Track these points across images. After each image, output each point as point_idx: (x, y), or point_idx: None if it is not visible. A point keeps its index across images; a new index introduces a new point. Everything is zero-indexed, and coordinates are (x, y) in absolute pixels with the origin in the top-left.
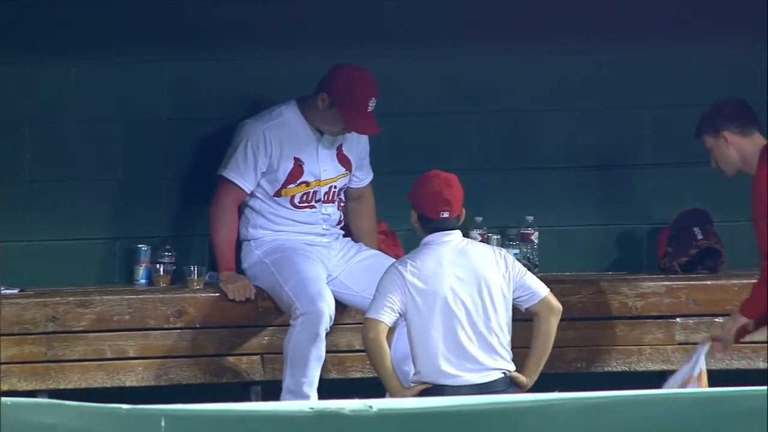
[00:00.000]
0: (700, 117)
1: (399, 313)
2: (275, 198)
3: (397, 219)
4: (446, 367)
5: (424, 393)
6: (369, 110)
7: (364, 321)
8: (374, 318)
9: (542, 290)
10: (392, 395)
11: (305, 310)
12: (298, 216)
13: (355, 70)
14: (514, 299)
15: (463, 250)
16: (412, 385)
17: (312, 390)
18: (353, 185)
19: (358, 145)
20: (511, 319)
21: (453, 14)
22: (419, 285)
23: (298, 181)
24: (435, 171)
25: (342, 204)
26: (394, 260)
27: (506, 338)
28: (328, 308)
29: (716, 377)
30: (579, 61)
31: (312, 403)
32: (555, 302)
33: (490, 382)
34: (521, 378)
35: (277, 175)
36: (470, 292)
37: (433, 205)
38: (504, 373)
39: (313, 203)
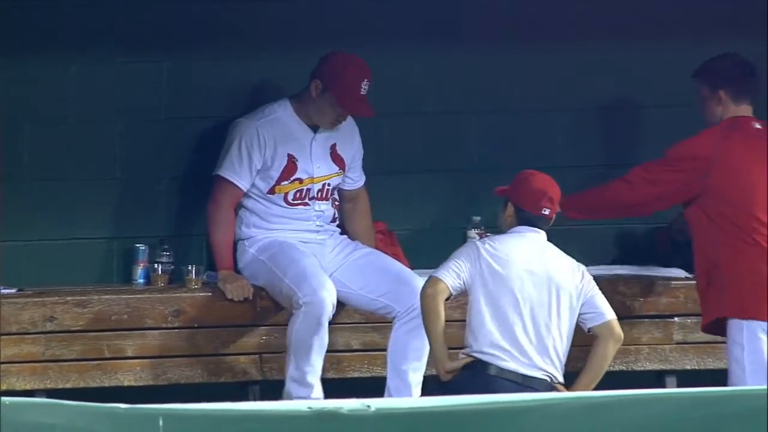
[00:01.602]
0: (704, 63)
1: (463, 283)
2: (269, 195)
3: (396, 219)
4: (496, 349)
5: (467, 372)
6: (362, 93)
7: (427, 278)
8: (437, 276)
9: (608, 313)
10: (436, 362)
11: (307, 299)
12: (292, 214)
13: (347, 55)
14: (579, 315)
15: (543, 249)
16: (462, 356)
17: (316, 378)
18: (347, 187)
19: (352, 145)
20: (572, 333)
21: (452, 15)
22: (492, 264)
23: (291, 178)
24: (533, 170)
25: (336, 203)
26: (391, 257)
27: (562, 347)
28: (330, 297)
29: (700, 377)
30: (578, 61)
31: (310, 402)
32: (618, 329)
33: (533, 377)
34: (564, 391)
35: (270, 172)
36: (538, 289)
37: (537, 201)
38: (549, 377)
39: (306, 200)
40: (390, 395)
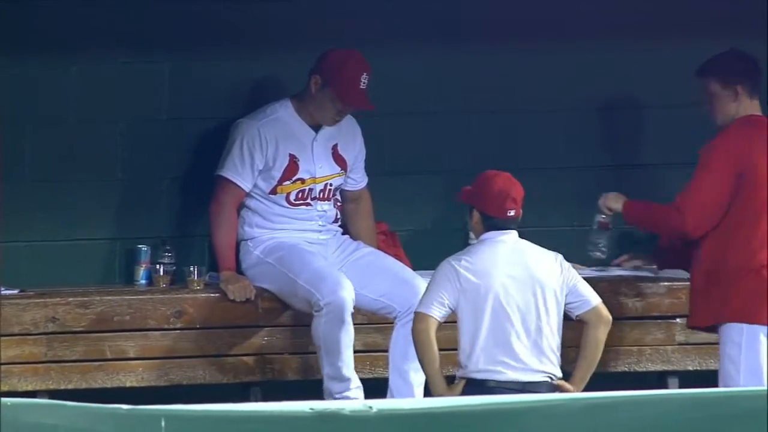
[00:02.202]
0: (713, 59)
1: (449, 308)
2: (271, 196)
3: (397, 220)
4: (492, 364)
5: (466, 388)
6: (362, 86)
7: (414, 314)
8: (423, 312)
9: (594, 299)
10: (435, 394)
11: (328, 300)
12: (294, 214)
13: (345, 50)
14: (565, 305)
15: (519, 249)
16: (458, 379)
17: (350, 371)
18: (350, 188)
19: (354, 145)
20: (561, 323)
21: (452, 14)
22: (472, 279)
23: (293, 178)
24: (493, 171)
25: (338, 203)
26: (392, 257)
27: (556, 342)
28: (349, 294)
29: (702, 378)
30: (579, 61)
31: (312, 403)
32: (605, 312)
33: (533, 383)
34: (567, 386)
35: (272, 172)
36: (523, 292)
37: (501, 204)
38: (550, 377)
39: (308, 201)
40: (392, 395)
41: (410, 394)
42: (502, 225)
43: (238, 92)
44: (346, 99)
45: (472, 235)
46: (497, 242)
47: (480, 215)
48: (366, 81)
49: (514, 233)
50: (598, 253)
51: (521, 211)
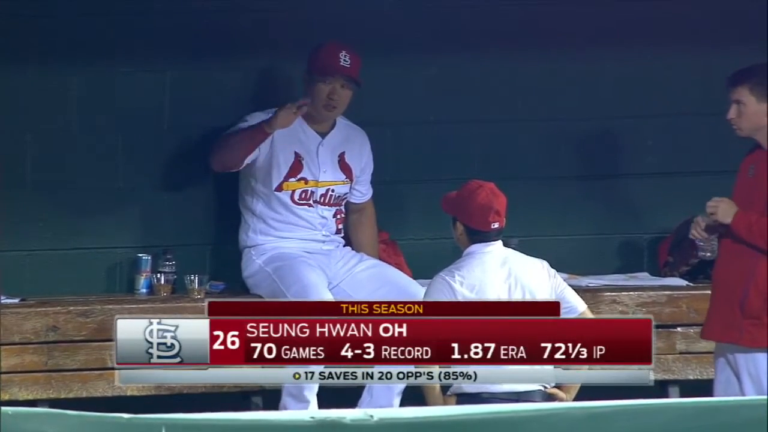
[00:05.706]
0: (750, 70)
1: None
2: (276, 193)
3: (398, 228)
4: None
5: (460, 400)
6: (342, 63)
7: None
8: None
9: (580, 305)
10: None
11: None
12: (296, 219)
13: (323, 42)
14: None
15: (507, 259)
16: (449, 394)
17: (312, 394)
18: (355, 200)
19: (361, 155)
20: None
21: (452, 23)
22: (467, 294)
23: (297, 176)
24: (477, 182)
25: (342, 216)
26: (394, 268)
27: None
28: None
29: (703, 387)
30: (580, 70)
31: (313, 412)
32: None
33: (527, 392)
34: (560, 394)
35: (279, 166)
36: None
37: (485, 218)
38: (543, 386)
39: (310, 202)
40: (370, 395)
41: (390, 397)
42: (487, 238)
43: (240, 101)
44: (328, 70)
45: None
46: (485, 254)
47: (464, 227)
48: (347, 59)
49: (499, 243)
50: (709, 254)
51: (505, 221)
